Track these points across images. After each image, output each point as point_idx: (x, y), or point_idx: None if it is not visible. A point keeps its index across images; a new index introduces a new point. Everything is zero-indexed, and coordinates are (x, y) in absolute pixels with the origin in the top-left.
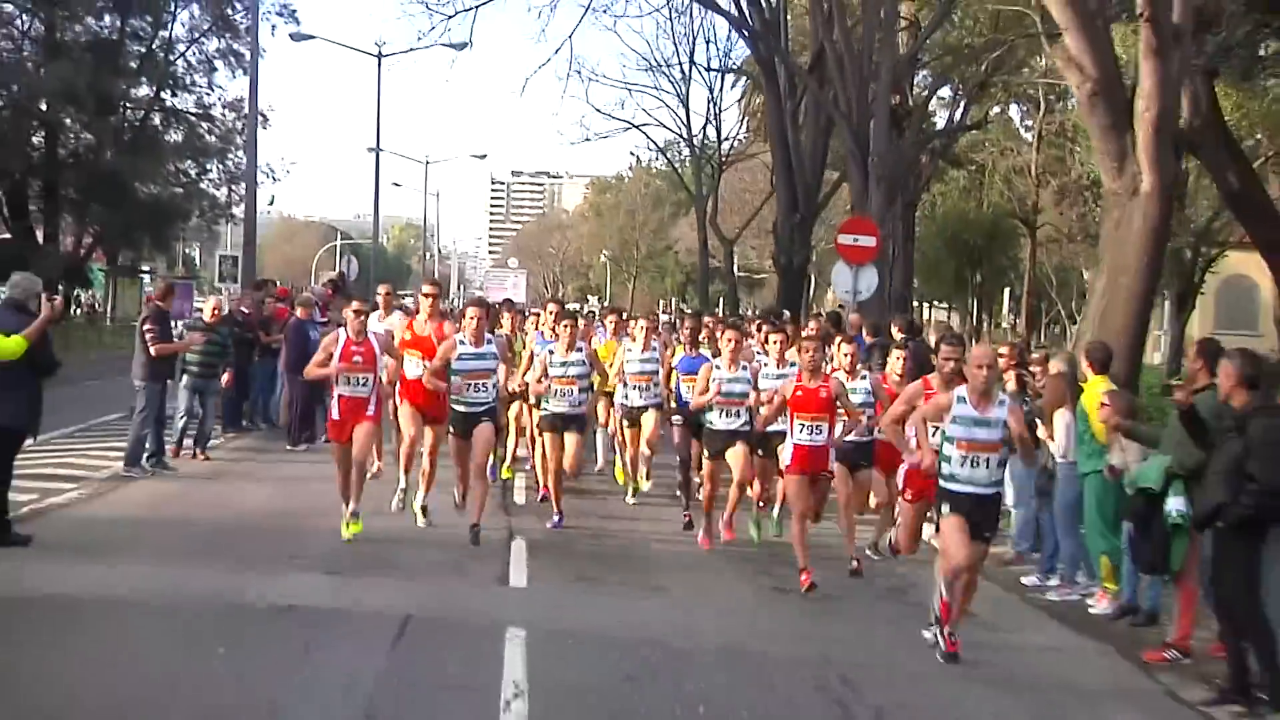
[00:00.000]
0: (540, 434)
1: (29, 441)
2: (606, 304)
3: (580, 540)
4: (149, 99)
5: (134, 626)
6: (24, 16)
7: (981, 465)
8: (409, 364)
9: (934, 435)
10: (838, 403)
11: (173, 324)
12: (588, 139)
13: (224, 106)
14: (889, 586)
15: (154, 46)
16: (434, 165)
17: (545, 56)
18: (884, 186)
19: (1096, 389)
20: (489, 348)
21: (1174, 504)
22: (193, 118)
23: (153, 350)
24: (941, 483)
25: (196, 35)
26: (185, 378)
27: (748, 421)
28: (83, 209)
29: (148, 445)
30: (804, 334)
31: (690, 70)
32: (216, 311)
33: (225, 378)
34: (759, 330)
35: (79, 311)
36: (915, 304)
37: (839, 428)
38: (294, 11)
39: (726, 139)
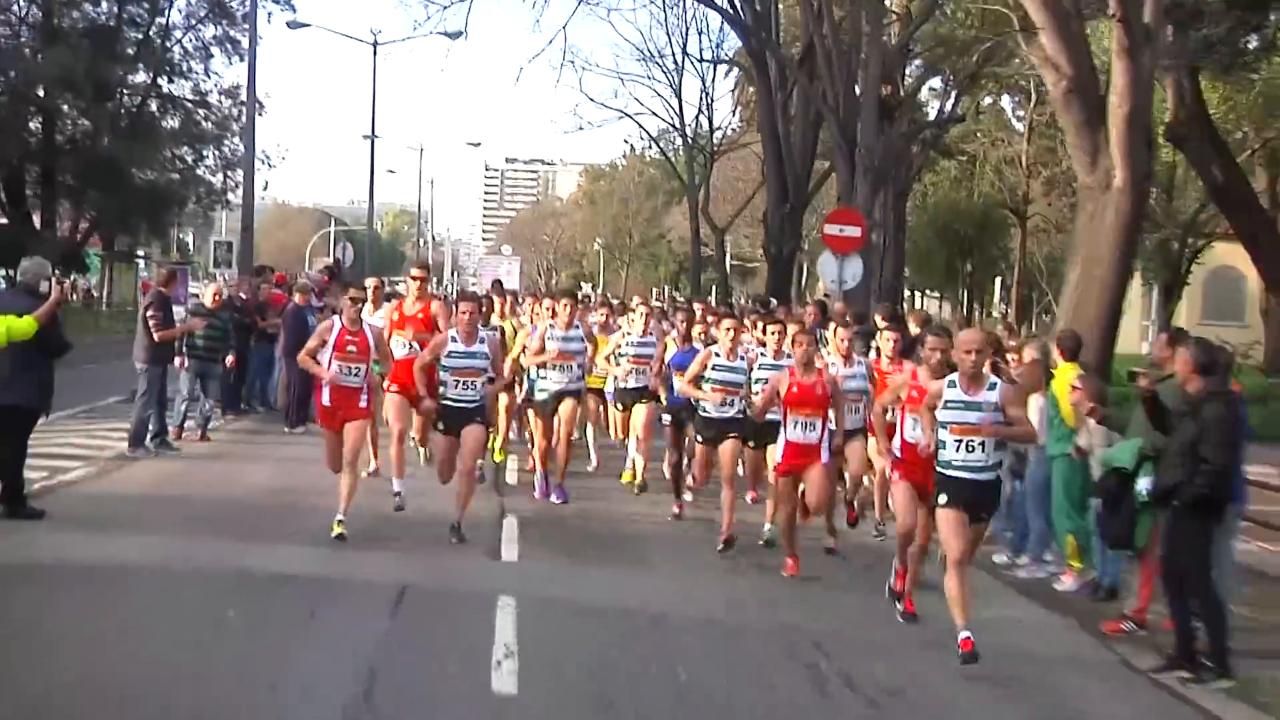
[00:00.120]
0: (538, 417)
1: (41, 420)
2: (600, 291)
3: (570, 519)
4: (146, 85)
5: (146, 592)
6: (22, 3)
7: (977, 449)
8: (397, 345)
9: (914, 429)
10: (833, 399)
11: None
12: (581, 128)
13: (220, 93)
14: (864, 564)
15: (151, 33)
16: (429, 152)
17: (540, 46)
18: (870, 178)
19: (1066, 375)
20: (481, 346)
21: (1144, 483)
22: (189, 104)
23: (155, 335)
24: (939, 469)
25: (193, 22)
26: (189, 361)
27: (742, 410)
28: (80, 195)
29: (150, 426)
30: (796, 323)
31: (683, 61)
32: (217, 297)
33: (229, 361)
34: (754, 326)
35: (75, 297)
36: (907, 293)
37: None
38: None
39: (718, 129)
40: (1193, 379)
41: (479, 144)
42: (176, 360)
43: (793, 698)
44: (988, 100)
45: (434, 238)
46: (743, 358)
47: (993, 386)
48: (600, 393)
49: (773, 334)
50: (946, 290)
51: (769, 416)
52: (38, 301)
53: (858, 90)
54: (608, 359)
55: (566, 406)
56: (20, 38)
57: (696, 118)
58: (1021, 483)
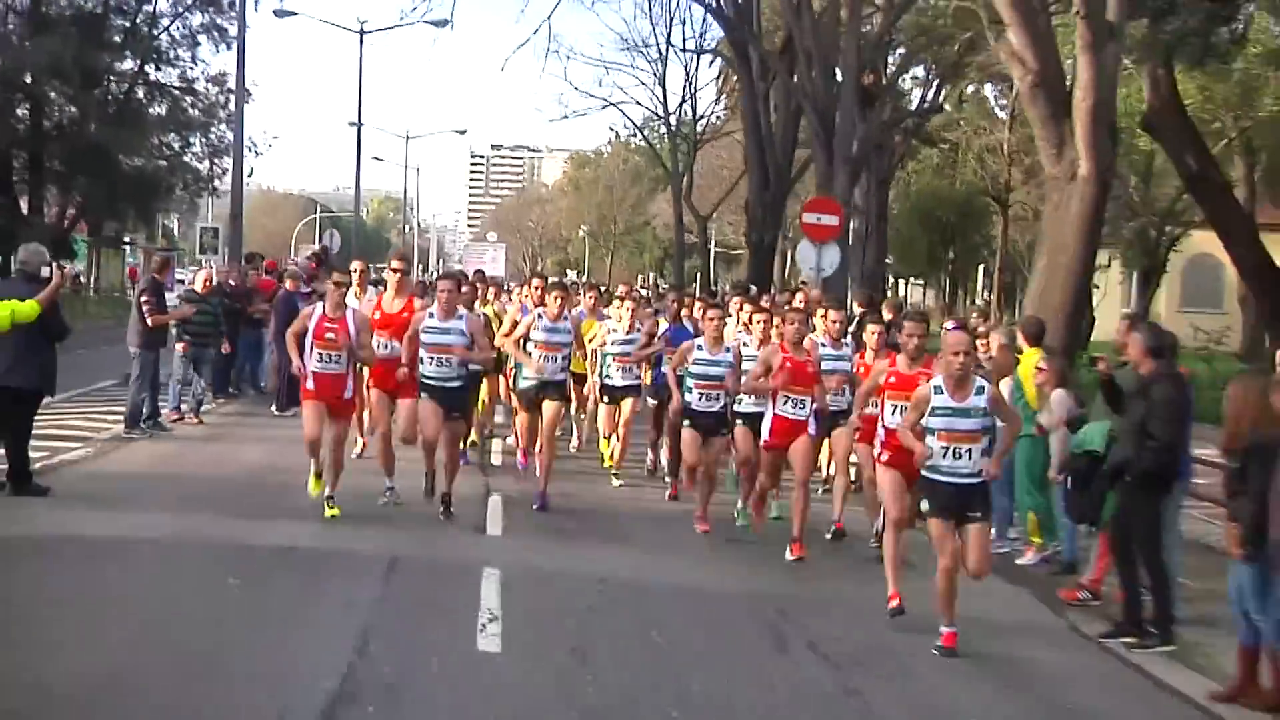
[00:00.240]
0: (519, 406)
1: (45, 400)
2: (585, 278)
3: (553, 499)
4: (133, 72)
5: (152, 563)
6: None
7: (964, 456)
8: (377, 345)
9: (894, 414)
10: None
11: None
12: (566, 116)
13: (207, 81)
14: (835, 542)
15: (138, 21)
16: (414, 140)
17: (525, 36)
18: (848, 167)
19: (1030, 359)
20: (457, 323)
21: None
22: (176, 91)
23: (149, 320)
24: (925, 473)
25: (180, 10)
26: (180, 346)
27: (728, 403)
28: (67, 181)
29: (144, 408)
30: (790, 307)
31: (667, 51)
32: (208, 283)
33: (224, 347)
34: (740, 309)
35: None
36: (891, 280)
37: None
38: None
39: (702, 118)
40: (1145, 361)
41: (464, 131)
42: (179, 345)
43: (756, 656)
44: (970, 89)
45: (419, 224)
46: (729, 349)
47: (980, 390)
48: (584, 378)
49: (759, 323)
50: (929, 277)
51: (752, 407)
52: (38, 288)
53: (837, 78)
54: (594, 350)
55: (549, 410)
56: (8, 25)
57: (680, 106)
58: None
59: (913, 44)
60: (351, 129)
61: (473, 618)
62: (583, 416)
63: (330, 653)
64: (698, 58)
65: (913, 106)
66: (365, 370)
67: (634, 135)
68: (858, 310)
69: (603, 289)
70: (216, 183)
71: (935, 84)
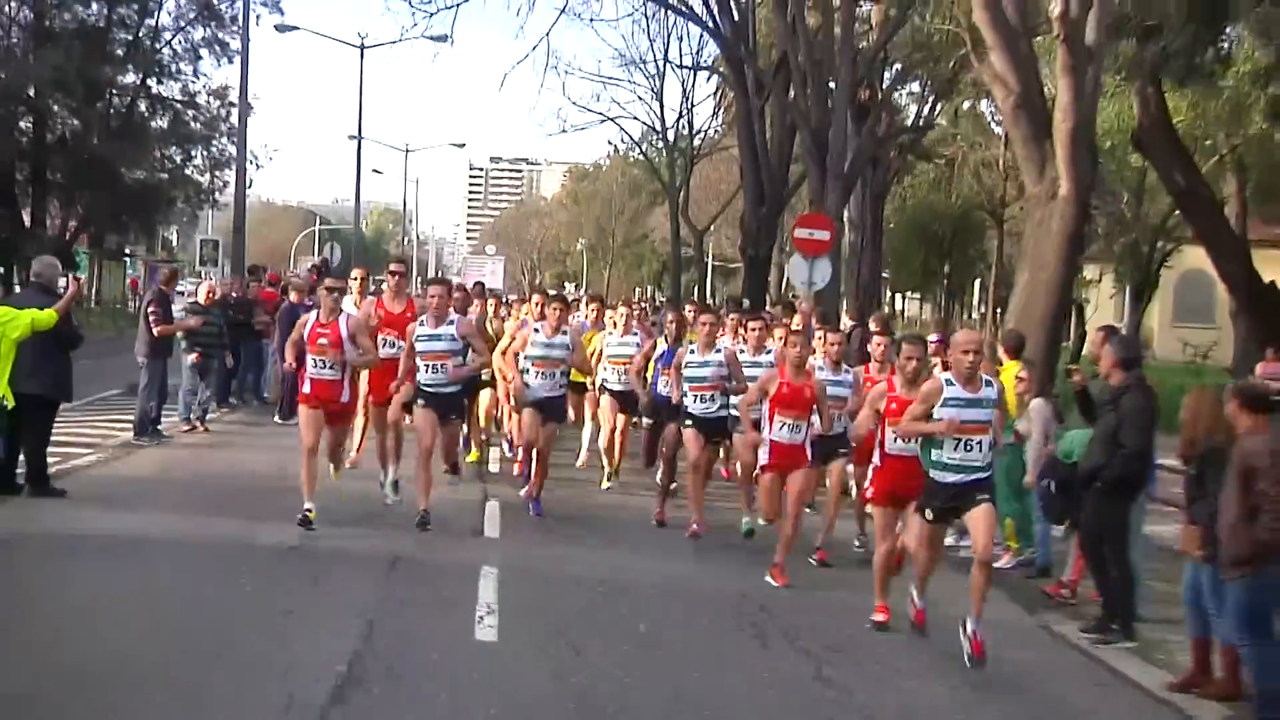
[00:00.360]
0: (516, 411)
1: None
2: (585, 291)
3: (549, 505)
4: (135, 86)
5: (163, 559)
6: (13, 4)
7: (975, 448)
8: (382, 345)
9: (894, 441)
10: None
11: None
12: (564, 131)
13: (209, 94)
14: (818, 546)
15: (140, 35)
16: (414, 153)
17: (523, 52)
18: (840, 184)
19: (1011, 370)
20: (448, 329)
21: None
22: (178, 105)
23: (155, 330)
24: (932, 473)
25: (182, 24)
26: (192, 357)
27: (725, 405)
28: (70, 193)
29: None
30: (790, 326)
31: (664, 67)
32: (210, 294)
33: (229, 360)
34: (740, 326)
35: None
36: (887, 295)
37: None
38: (278, 2)
39: (699, 133)
40: (1115, 372)
41: (464, 145)
42: (191, 356)
43: (738, 648)
44: (966, 104)
45: (419, 237)
46: (719, 350)
47: (989, 384)
48: (584, 388)
49: (753, 330)
50: (925, 291)
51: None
52: (53, 299)
53: (831, 96)
54: (596, 360)
55: (545, 432)
56: (12, 38)
57: (677, 122)
58: None
59: (908, 60)
60: (351, 142)
61: (470, 611)
62: (584, 428)
63: (336, 643)
64: (694, 74)
65: (909, 121)
66: (363, 382)
67: (632, 149)
68: (848, 323)
69: (604, 301)
70: (217, 195)
71: (931, 100)
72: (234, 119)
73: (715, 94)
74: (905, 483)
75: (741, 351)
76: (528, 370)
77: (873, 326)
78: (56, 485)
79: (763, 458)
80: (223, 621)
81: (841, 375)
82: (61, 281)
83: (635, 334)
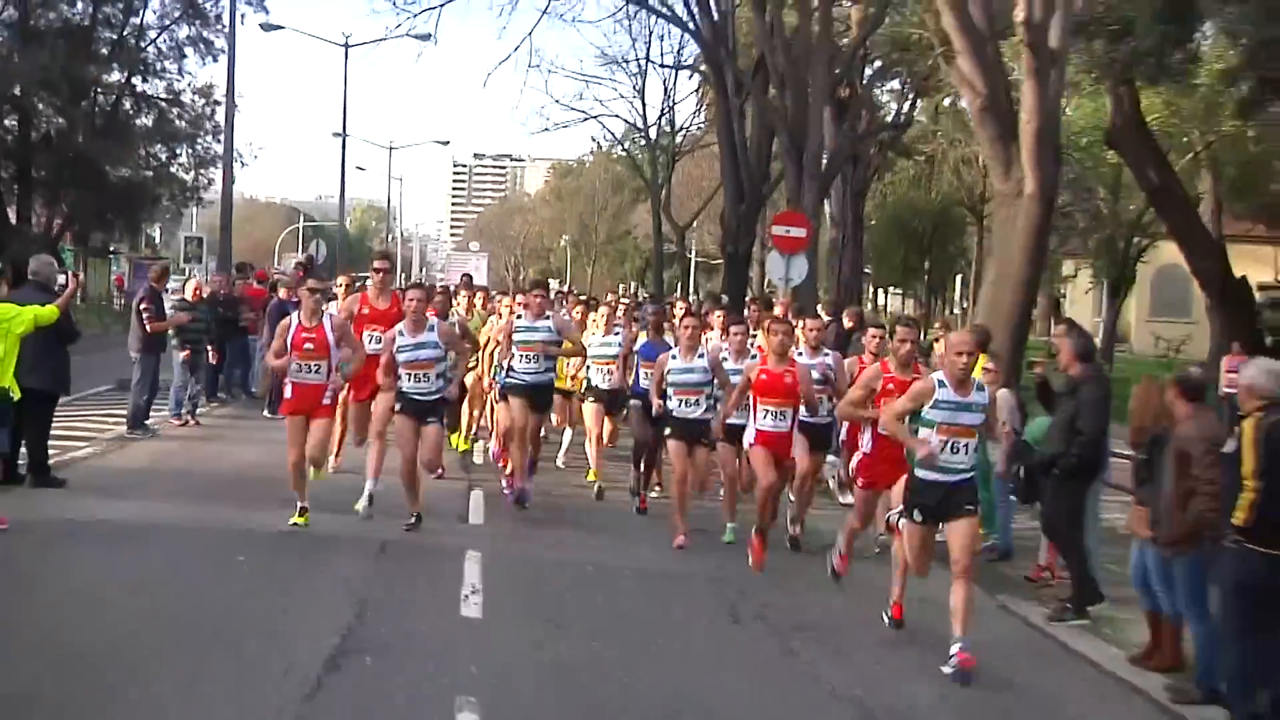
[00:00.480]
0: (501, 400)
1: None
2: (568, 287)
3: (534, 494)
4: (120, 84)
5: (162, 543)
6: None
7: (961, 450)
8: (368, 341)
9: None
10: (801, 389)
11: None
12: (547, 129)
13: (194, 92)
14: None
15: (125, 33)
16: (398, 150)
17: (506, 51)
18: (817, 182)
19: (979, 364)
20: (430, 335)
21: None
22: (163, 103)
23: (148, 326)
24: (917, 471)
25: (167, 23)
26: (183, 354)
27: (710, 409)
28: (55, 192)
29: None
30: (773, 318)
31: (646, 66)
32: (197, 291)
33: (213, 356)
34: (723, 323)
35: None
36: (869, 290)
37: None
38: (262, 1)
39: (681, 130)
40: (1074, 364)
41: (447, 143)
42: (182, 353)
43: (712, 625)
44: (946, 101)
45: (402, 234)
46: (703, 355)
47: (980, 388)
48: (569, 394)
49: (735, 334)
50: (907, 287)
51: (730, 420)
52: (51, 296)
53: (809, 96)
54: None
55: (531, 420)
56: None
57: (659, 119)
58: None
59: (887, 59)
60: (335, 139)
61: (456, 590)
62: (567, 429)
63: (330, 618)
64: (676, 72)
65: (890, 119)
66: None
67: (615, 147)
68: (825, 318)
69: (588, 299)
70: (202, 193)
71: (911, 96)
72: (219, 117)
73: (697, 91)
74: (893, 468)
75: (725, 359)
76: (515, 355)
77: (846, 322)
78: (57, 475)
79: (749, 439)
80: (221, 600)
81: (819, 360)
82: (61, 278)
83: (617, 333)
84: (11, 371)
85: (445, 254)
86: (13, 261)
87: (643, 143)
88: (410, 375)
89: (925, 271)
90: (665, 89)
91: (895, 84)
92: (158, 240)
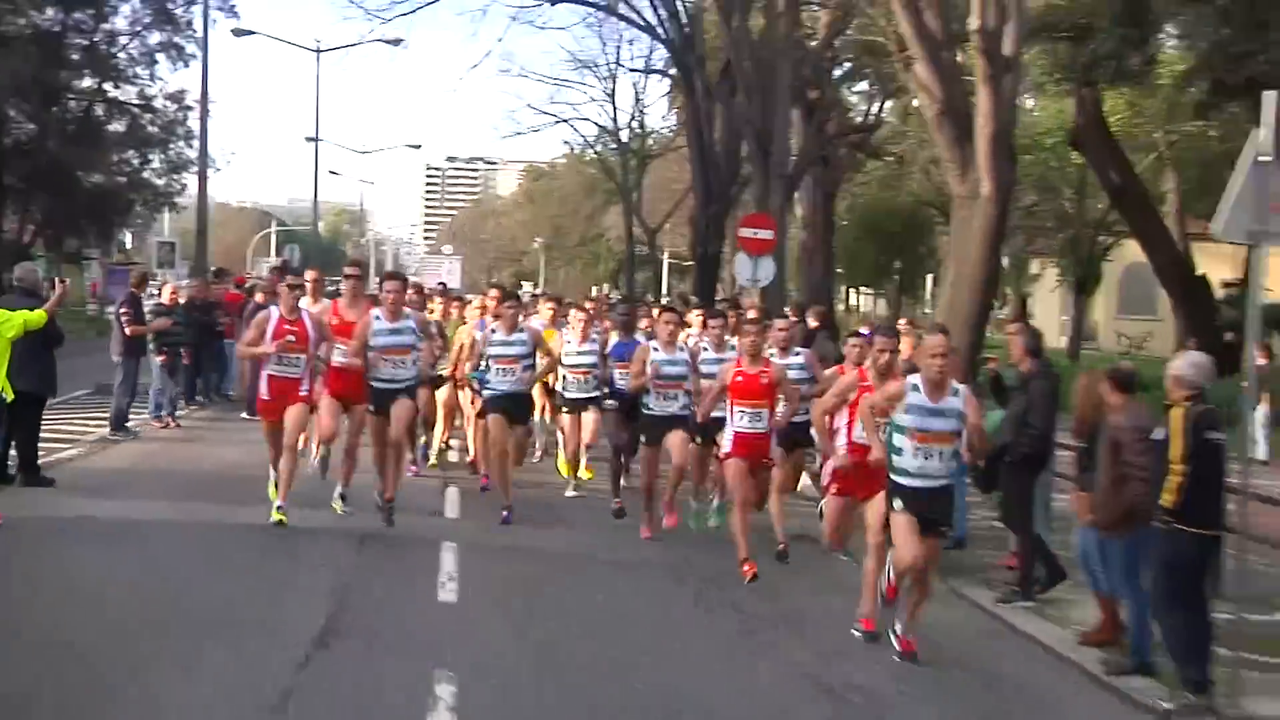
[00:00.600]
0: (482, 417)
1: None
2: (541, 290)
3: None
4: (92, 90)
5: (151, 538)
6: None
7: (934, 457)
8: (335, 354)
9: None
10: (778, 389)
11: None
12: (519, 132)
13: (165, 98)
14: (771, 538)
15: (96, 39)
16: (370, 154)
17: (478, 56)
18: (783, 185)
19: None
20: (406, 323)
21: None
22: (135, 109)
23: (128, 331)
24: (892, 476)
25: (138, 29)
26: (163, 355)
27: (686, 405)
28: (27, 198)
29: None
30: (745, 317)
31: (616, 70)
32: (174, 296)
33: (185, 357)
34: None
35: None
36: (841, 291)
37: (779, 410)
38: (234, 6)
39: (651, 133)
40: (1025, 360)
41: (420, 146)
42: (159, 357)
43: (684, 614)
44: (915, 103)
45: (375, 237)
46: (683, 348)
47: (955, 393)
48: (550, 390)
49: (714, 329)
50: (878, 287)
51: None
52: (37, 301)
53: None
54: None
55: (515, 436)
56: None
57: (630, 123)
58: None
59: (856, 61)
60: (307, 144)
61: (433, 578)
62: (547, 422)
63: (315, 604)
64: (646, 76)
65: (859, 120)
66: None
67: (587, 149)
68: (792, 319)
69: (562, 301)
70: (176, 199)
71: (880, 98)
72: (191, 122)
73: (668, 94)
74: (867, 477)
75: (705, 350)
76: (489, 368)
77: (811, 322)
78: (46, 475)
79: (725, 446)
80: (209, 591)
81: (790, 359)
82: (46, 286)
83: (594, 340)
84: (3, 374)
85: (419, 257)
86: None
87: (614, 146)
88: (388, 361)
89: (896, 271)
90: (636, 93)
91: (864, 85)
92: (129, 245)
